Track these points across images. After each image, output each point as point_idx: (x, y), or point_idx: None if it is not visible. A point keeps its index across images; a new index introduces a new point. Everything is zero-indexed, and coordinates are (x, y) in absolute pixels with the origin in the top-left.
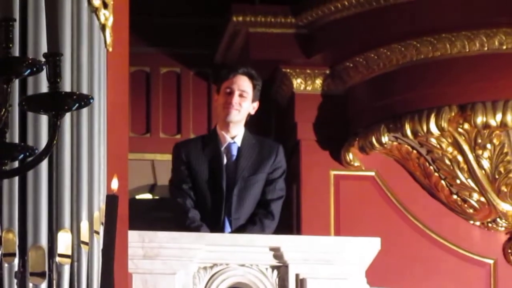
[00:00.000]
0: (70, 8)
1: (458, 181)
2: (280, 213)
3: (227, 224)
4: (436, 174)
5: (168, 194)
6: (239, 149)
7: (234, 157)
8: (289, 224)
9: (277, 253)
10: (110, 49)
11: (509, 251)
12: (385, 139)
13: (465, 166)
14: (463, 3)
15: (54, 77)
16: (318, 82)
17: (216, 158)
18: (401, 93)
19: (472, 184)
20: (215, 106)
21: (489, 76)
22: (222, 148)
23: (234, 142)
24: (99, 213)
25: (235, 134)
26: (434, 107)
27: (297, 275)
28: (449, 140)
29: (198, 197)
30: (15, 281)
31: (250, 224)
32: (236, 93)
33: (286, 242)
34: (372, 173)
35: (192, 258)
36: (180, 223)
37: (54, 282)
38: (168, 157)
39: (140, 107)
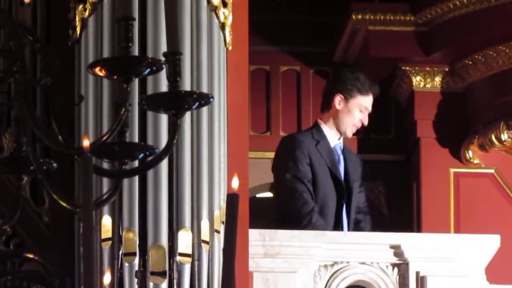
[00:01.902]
0: (190, 7)
1: None
2: (401, 210)
3: (345, 224)
4: None
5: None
6: (342, 151)
7: (341, 158)
8: (410, 221)
9: (397, 250)
10: (230, 48)
11: None
12: (504, 136)
13: None
14: None
15: (174, 76)
16: (437, 79)
17: (329, 157)
18: None
19: None
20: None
21: None
22: (332, 147)
23: (340, 144)
24: (219, 212)
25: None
26: None
27: (417, 273)
28: None
29: (318, 194)
30: (135, 280)
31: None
32: (366, 112)
33: (407, 240)
34: (492, 171)
35: (313, 256)
36: (299, 217)
37: (175, 281)
38: None
39: (260, 105)
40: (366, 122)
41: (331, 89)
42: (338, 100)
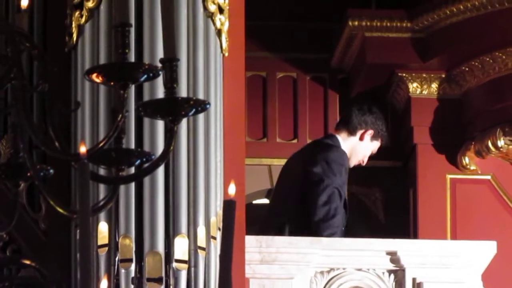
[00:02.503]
0: (186, 13)
1: None
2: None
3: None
4: None
5: None
6: None
7: None
8: (406, 228)
9: (394, 257)
10: (226, 54)
11: None
12: (501, 142)
13: None
14: None
15: (171, 83)
16: (434, 86)
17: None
18: None
19: None
20: (362, 137)
21: None
22: None
23: None
24: (216, 219)
25: None
26: None
27: (414, 279)
28: None
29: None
30: (132, 286)
31: None
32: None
33: (403, 246)
34: (489, 177)
35: (309, 263)
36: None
37: (171, 287)
38: (285, 161)
39: (256, 112)
40: (364, 163)
41: (366, 121)
42: (369, 135)
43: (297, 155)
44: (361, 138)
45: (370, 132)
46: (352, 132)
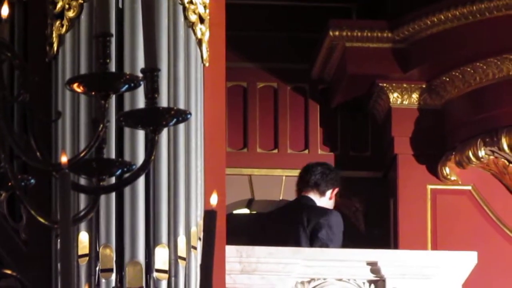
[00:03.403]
0: (167, 23)
1: None
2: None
3: None
4: None
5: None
6: None
7: None
8: (387, 238)
9: (374, 267)
10: (207, 64)
11: None
12: (481, 153)
13: None
14: None
15: (152, 93)
16: (415, 96)
17: None
18: (497, 107)
19: None
20: (332, 196)
21: None
22: None
23: None
24: (196, 229)
25: None
26: None
27: None
28: None
29: None
30: None
31: None
32: None
33: (384, 257)
34: (469, 187)
35: (290, 273)
36: None
37: None
38: (266, 171)
39: (237, 122)
40: None
41: (332, 181)
42: (335, 191)
43: (283, 213)
44: (330, 197)
45: (336, 190)
46: (322, 194)
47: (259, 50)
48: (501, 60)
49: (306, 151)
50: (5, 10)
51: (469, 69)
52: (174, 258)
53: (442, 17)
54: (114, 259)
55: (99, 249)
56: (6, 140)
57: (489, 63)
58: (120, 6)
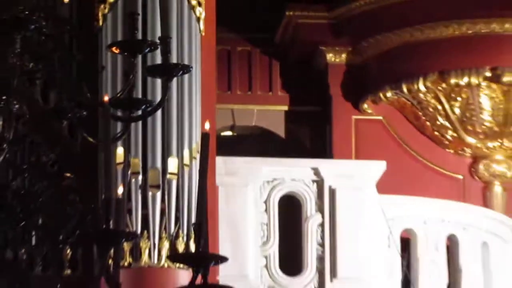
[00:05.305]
0: (176, 6)
1: (438, 122)
2: (320, 144)
3: None
4: (423, 117)
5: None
6: None
7: None
8: (325, 151)
9: (316, 171)
10: (203, 34)
11: (473, 169)
12: (389, 94)
13: (443, 112)
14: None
15: (166, 53)
16: (344, 56)
17: None
18: (401, 64)
19: (448, 124)
20: None
21: (462, 54)
22: None
23: None
24: (196, 145)
25: None
26: (422, 73)
27: (329, 186)
28: (432, 95)
29: None
30: (139, 191)
31: None
32: None
33: (323, 164)
34: (381, 118)
35: (259, 175)
36: None
37: (166, 191)
38: (243, 107)
39: (223, 73)
40: None
41: None
42: None
43: None
44: None
45: None
46: None
47: (239, 25)
48: (401, 33)
49: (270, 93)
50: None
51: (380, 38)
52: (181, 165)
53: (362, 2)
54: (141, 165)
55: (130, 159)
56: (67, 86)
57: (395, 33)
58: None
